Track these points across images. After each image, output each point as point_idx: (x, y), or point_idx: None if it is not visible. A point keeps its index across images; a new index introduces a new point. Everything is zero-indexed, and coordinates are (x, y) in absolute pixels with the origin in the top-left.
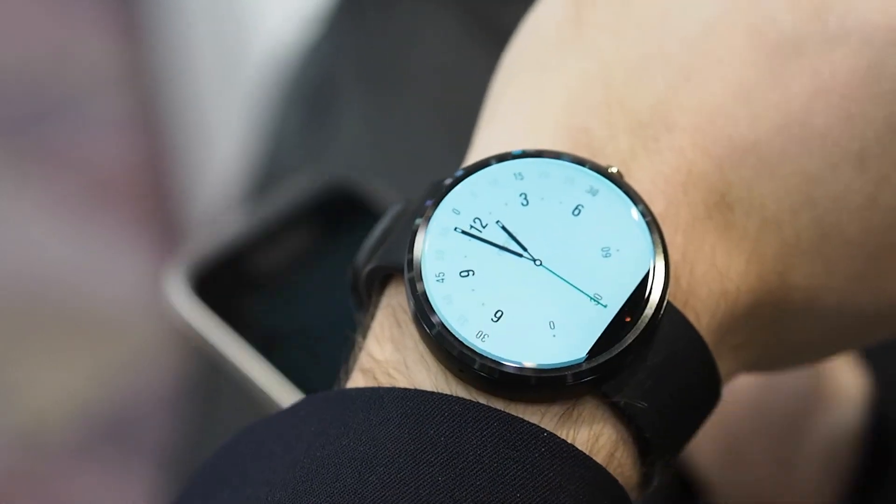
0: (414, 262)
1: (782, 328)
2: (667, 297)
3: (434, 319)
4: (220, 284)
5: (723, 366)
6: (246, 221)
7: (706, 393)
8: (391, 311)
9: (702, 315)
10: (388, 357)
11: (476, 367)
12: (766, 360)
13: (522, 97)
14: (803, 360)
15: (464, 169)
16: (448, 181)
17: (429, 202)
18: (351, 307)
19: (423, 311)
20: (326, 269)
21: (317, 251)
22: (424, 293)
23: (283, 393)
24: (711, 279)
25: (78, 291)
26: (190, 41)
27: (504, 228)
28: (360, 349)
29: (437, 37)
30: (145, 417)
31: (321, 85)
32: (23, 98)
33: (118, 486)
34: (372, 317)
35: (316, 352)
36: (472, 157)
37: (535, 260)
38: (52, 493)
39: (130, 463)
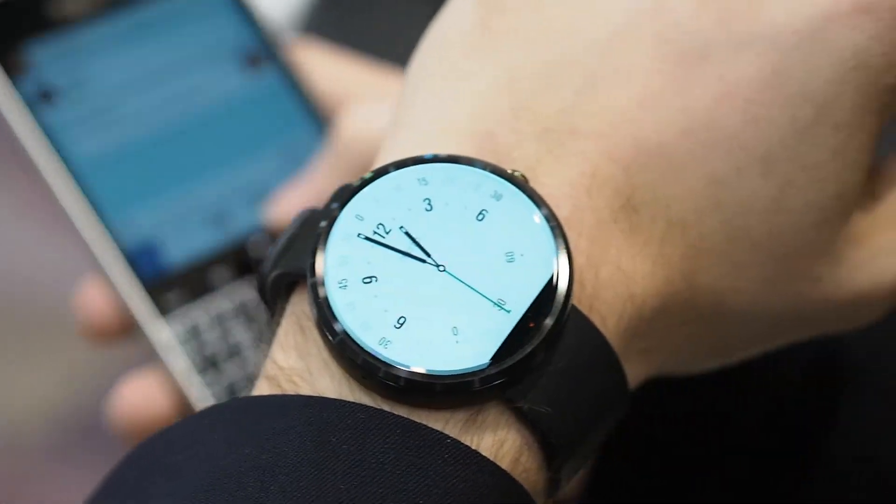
0: (316, 267)
1: (692, 331)
2: (571, 301)
3: (336, 327)
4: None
5: (631, 369)
6: None
7: (614, 397)
8: (295, 318)
9: (608, 318)
10: (292, 364)
11: (380, 374)
12: (676, 362)
13: (430, 103)
14: (715, 362)
15: (368, 174)
16: (353, 185)
17: (334, 205)
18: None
19: (325, 318)
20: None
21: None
22: (327, 299)
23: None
24: (617, 282)
25: (52, 294)
26: None
27: (407, 234)
28: (265, 356)
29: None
30: None
31: None
32: None
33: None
34: (277, 324)
35: (92, 111)
36: (379, 163)
37: (438, 266)
38: (27, 496)
39: (105, 466)
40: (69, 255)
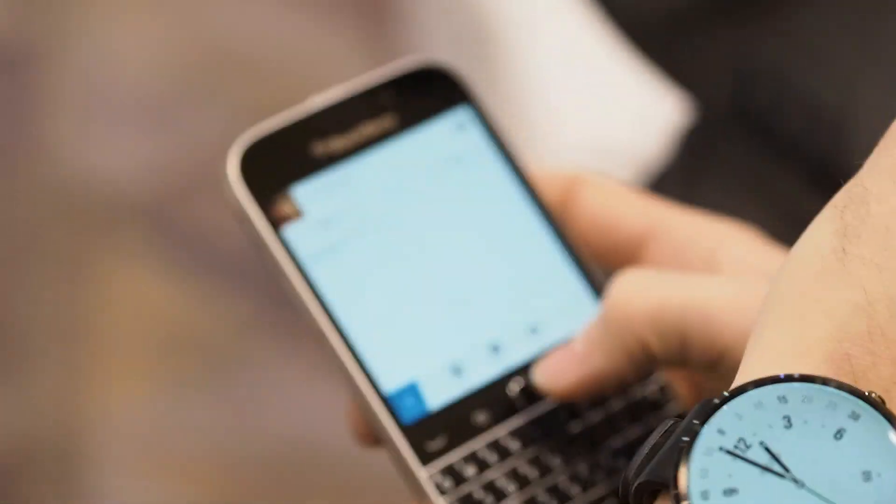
0: (679, 480)
1: None
2: None
3: None
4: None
5: None
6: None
7: None
8: None
9: None
10: None
11: None
12: None
13: (787, 325)
14: None
15: (728, 392)
16: (714, 402)
17: (696, 422)
18: None
19: None
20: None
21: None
22: None
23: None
24: None
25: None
26: None
27: (767, 449)
28: None
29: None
30: None
31: None
32: None
33: None
34: None
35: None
36: (739, 381)
37: (797, 482)
38: None
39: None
40: (334, 400)
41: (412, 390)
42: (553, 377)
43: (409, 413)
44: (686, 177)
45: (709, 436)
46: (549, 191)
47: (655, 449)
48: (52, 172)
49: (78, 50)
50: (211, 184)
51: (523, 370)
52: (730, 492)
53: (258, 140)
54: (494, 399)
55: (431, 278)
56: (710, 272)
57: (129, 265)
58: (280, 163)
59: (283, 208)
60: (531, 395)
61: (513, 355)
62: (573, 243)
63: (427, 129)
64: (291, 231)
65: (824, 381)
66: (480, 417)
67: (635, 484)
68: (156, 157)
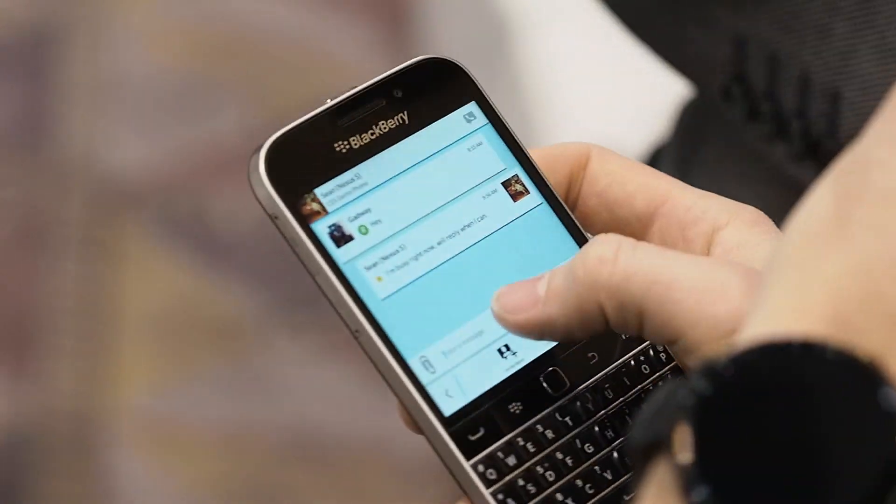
0: (676, 437)
1: None
2: None
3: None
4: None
5: None
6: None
7: None
8: None
9: None
10: None
11: None
12: None
13: (788, 286)
14: None
15: (728, 354)
16: (715, 365)
17: (696, 381)
18: None
19: None
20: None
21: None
22: None
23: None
24: None
25: (363, 437)
26: None
27: None
28: None
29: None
30: None
31: None
32: None
33: None
34: None
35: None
36: (740, 341)
37: None
38: None
39: None
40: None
41: (450, 380)
42: (508, 308)
43: (449, 406)
44: (681, 154)
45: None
46: (557, 170)
47: (656, 408)
48: (70, 159)
49: (99, 37)
50: (227, 171)
51: (550, 358)
52: None
53: (283, 138)
54: (527, 388)
55: (457, 271)
56: (707, 252)
57: (145, 252)
58: (306, 161)
59: (310, 206)
60: (560, 381)
61: (538, 343)
62: (580, 230)
63: (439, 125)
64: (320, 227)
65: (822, 346)
66: (515, 407)
67: (635, 442)
68: (173, 145)
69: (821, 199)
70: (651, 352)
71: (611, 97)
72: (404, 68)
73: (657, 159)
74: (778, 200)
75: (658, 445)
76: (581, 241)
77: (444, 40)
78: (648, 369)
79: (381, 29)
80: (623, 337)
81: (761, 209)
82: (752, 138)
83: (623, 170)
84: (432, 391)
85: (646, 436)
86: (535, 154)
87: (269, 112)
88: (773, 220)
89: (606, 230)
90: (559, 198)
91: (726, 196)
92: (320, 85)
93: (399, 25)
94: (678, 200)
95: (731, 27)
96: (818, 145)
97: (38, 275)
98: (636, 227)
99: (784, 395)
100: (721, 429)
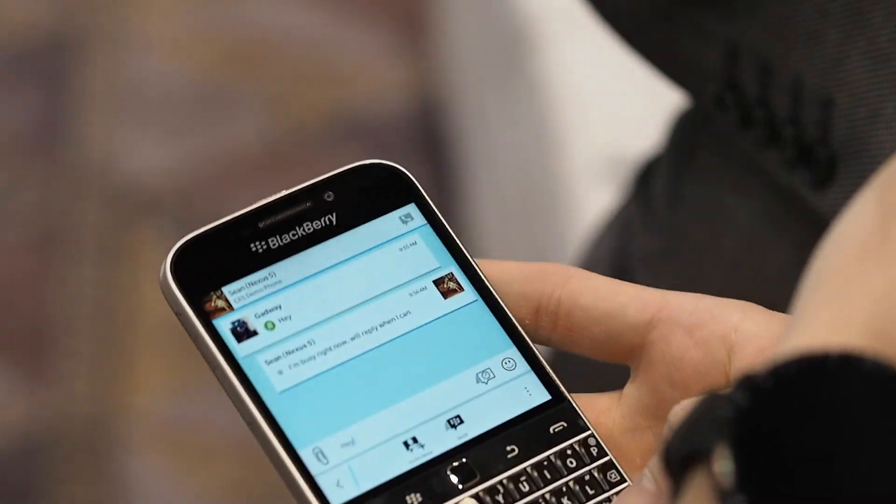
0: (717, 451)
1: None
2: None
3: None
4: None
5: None
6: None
7: None
8: None
9: None
10: None
11: None
12: None
13: (828, 301)
14: None
15: (766, 368)
16: (755, 378)
17: (736, 396)
18: None
19: None
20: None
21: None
22: None
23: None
24: None
25: None
26: None
27: None
28: None
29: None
30: None
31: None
32: None
33: None
34: None
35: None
36: (778, 354)
37: None
38: None
39: None
40: None
41: (344, 471)
42: None
43: (338, 496)
44: (676, 164)
45: None
46: (530, 283)
47: (694, 419)
48: (88, 165)
49: (118, 45)
50: (245, 178)
51: (461, 450)
52: None
53: (195, 240)
54: (431, 480)
55: (371, 364)
56: (730, 353)
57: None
58: (216, 261)
59: (215, 303)
60: (470, 473)
61: (450, 436)
62: (518, 330)
63: (370, 226)
64: (223, 323)
65: (860, 359)
66: (413, 499)
67: (673, 453)
68: (191, 151)
69: (863, 212)
70: (580, 448)
71: (626, 108)
72: (339, 172)
73: (651, 171)
74: (772, 208)
75: (696, 457)
76: (518, 340)
77: (462, 48)
78: (575, 464)
79: (400, 37)
80: (551, 430)
81: (756, 218)
82: (746, 146)
83: (609, 285)
84: (322, 482)
85: (684, 447)
86: (511, 269)
87: (287, 119)
88: (769, 230)
89: (596, 346)
90: (497, 296)
91: (722, 206)
92: (338, 92)
93: (417, 33)
94: (677, 305)
95: (722, 36)
96: (811, 152)
97: (56, 279)
98: (631, 338)
99: (821, 408)
100: (759, 441)
